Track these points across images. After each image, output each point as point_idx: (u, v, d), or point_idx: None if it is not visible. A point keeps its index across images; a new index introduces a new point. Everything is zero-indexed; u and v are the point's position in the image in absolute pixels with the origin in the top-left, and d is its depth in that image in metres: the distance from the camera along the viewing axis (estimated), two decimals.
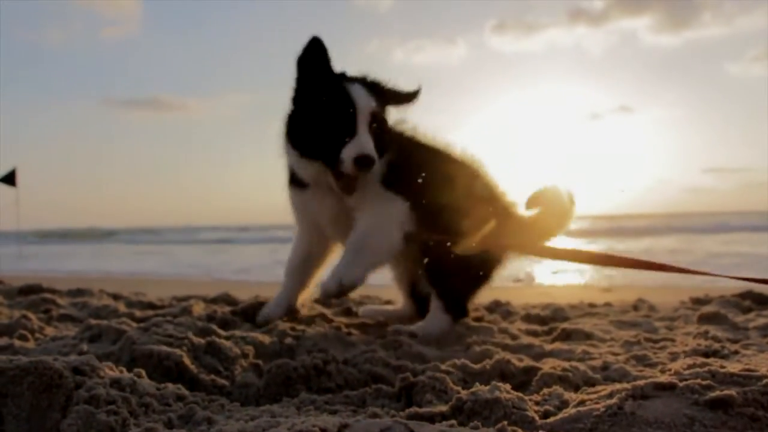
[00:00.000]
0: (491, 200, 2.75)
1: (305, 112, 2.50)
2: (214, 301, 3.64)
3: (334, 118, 2.39)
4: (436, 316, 2.67)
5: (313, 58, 2.46)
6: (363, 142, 2.35)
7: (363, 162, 2.32)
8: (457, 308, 2.73)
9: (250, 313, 2.95)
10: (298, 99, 2.53)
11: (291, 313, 2.89)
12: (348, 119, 2.37)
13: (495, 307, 3.54)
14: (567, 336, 2.64)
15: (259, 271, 9.56)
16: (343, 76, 2.50)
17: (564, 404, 1.53)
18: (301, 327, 2.67)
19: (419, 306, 2.94)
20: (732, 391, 1.38)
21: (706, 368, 1.58)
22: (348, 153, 2.34)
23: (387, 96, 2.55)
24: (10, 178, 13.49)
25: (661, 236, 19.40)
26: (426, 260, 2.65)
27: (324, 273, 2.89)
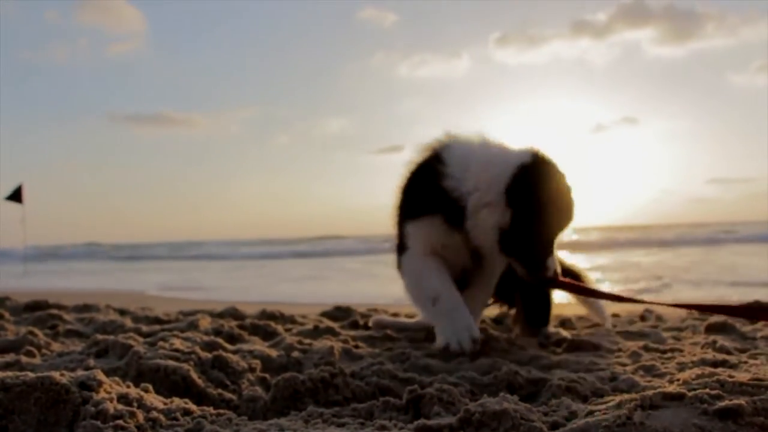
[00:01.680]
0: None
1: (530, 220, 2.43)
2: (220, 315, 3.65)
3: (555, 233, 2.53)
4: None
5: (551, 170, 2.50)
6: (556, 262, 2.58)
7: (553, 281, 2.59)
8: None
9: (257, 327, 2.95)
10: (526, 202, 2.43)
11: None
12: (561, 232, 2.56)
13: (502, 318, 3.53)
14: (575, 347, 2.64)
15: (264, 288, 9.55)
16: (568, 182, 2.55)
17: (572, 415, 1.52)
18: (308, 340, 2.67)
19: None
20: (741, 401, 1.37)
21: (714, 378, 1.58)
22: (552, 266, 2.53)
23: None
24: (16, 196, 13.54)
25: (668, 247, 19.33)
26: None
27: None
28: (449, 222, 2.53)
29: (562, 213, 2.52)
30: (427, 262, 2.61)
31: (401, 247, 2.72)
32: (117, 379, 1.75)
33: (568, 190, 2.52)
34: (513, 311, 3.23)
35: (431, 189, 2.55)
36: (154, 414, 1.57)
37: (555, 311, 3.57)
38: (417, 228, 2.62)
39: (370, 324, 3.20)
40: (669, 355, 2.43)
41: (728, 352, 2.36)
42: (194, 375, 1.99)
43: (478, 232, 2.49)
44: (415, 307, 2.76)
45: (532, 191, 2.42)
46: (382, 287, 8.55)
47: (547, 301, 3.07)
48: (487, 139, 2.61)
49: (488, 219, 2.45)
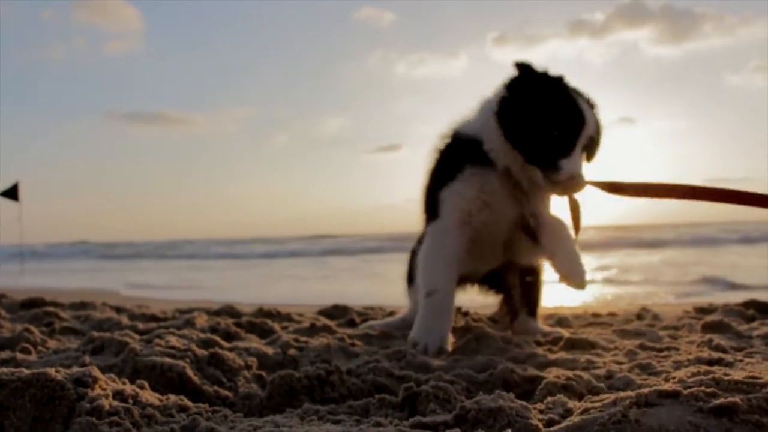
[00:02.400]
0: None
1: (530, 114, 2.50)
2: (217, 313, 3.64)
3: (561, 129, 2.47)
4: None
5: (534, 69, 2.54)
6: (579, 162, 2.50)
7: (576, 181, 2.50)
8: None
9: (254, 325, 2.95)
10: (521, 102, 2.54)
11: None
12: (572, 134, 2.48)
13: (498, 318, 3.53)
14: (571, 345, 2.64)
15: (261, 288, 9.55)
16: (570, 88, 2.57)
17: (568, 413, 1.52)
18: (304, 338, 2.67)
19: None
20: (736, 398, 1.37)
21: (710, 376, 1.58)
22: (567, 164, 2.46)
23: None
24: (12, 193, 13.50)
25: (665, 247, 19.36)
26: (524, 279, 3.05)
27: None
28: (485, 171, 2.60)
29: (564, 105, 2.49)
30: (447, 244, 2.62)
31: (430, 218, 2.74)
32: (113, 376, 1.75)
33: (571, 96, 2.52)
34: (500, 297, 3.24)
35: (457, 149, 2.68)
36: (150, 410, 1.57)
37: (554, 311, 3.59)
38: (451, 191, 2.64)
39: (360, 328, 3.20)
40: (665, 353, 2.44)
41: (724, 351, 2.36)
42: (190, 372, 1.99)
43: (495, 152, 2.57)
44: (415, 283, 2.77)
45: (528, 83, 2.52)
46: (380, 286, 8.56)
47: (536, 290, 3.10)
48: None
49: (488, 121, 2.58)
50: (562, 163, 2.45)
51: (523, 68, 2.54)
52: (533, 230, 2.66)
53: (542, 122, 2.47)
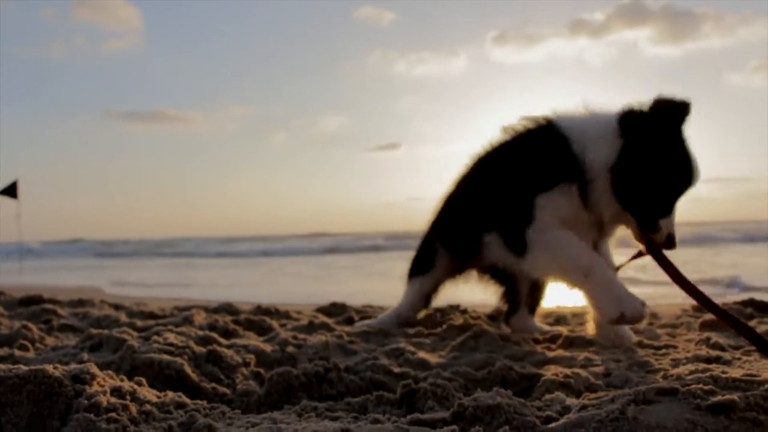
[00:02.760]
0: None
1: (645, 172, 2.36)
2: (215, 311, 3.64)
3: (673, 189, 2.39)
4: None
5: (676, 118, 2.39)
6: (674, 221, 2.41)
7: (671, 243, 2.40)
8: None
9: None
10: (637, 157, 2.38)
11: None
12: (679, 193, 2.40)
13: (497, 315, 3.54)
14: (569, 343, 2.64)
15: (262, 285, 9.54)
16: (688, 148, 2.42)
17: (566, 410, 1.52)
18: (302, 336, 2.67)
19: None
20: (734, 396, 1.38)
21: (707, 373, 1.58)
22: (666, 225, 2.38)
23: None
24: (11, 191, 13.49)
25: None
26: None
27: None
28: (580, 193, 2.46)
29: (682, 163, 2.38)
30: (567, 233, 2.49)
31: (521, 220, 2.54)
32: (111, 372, 1.74)
33: (687, 143, 2.39)
34: (503, 289, 3.16)
35: (561, 157, 2.48)
36: (147, 407, 1.57)
37: (552, 309, 3.59)
38: (550, 199, 2.49)
39: (354, 327, 3.18)
40: (663, 351, 2.44)
41: (722, 349, 2.37)
42: (188, 369, 1.99)
43: (595, 187, 2.43)
44: (561, 280, 2.54)
45: (648, 125, 2.37)
46: (379, 285, 8.56)
47: (542, 290, 3.07)
48: (597, 110, 2.58)
49: (599, 155, 2.42)
50: (661, 222, 2.38)
51: (657, 110, 2.38)
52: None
53: (657, 182, 2.36)
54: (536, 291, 3.08)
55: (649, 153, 2.36)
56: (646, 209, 2.40)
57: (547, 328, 3.07)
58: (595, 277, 2.35)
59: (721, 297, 5.09)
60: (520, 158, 2.64)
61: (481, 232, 2.75)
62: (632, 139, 2.38)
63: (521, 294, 3.08)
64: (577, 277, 2.41)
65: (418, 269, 3.19)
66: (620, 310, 2.25)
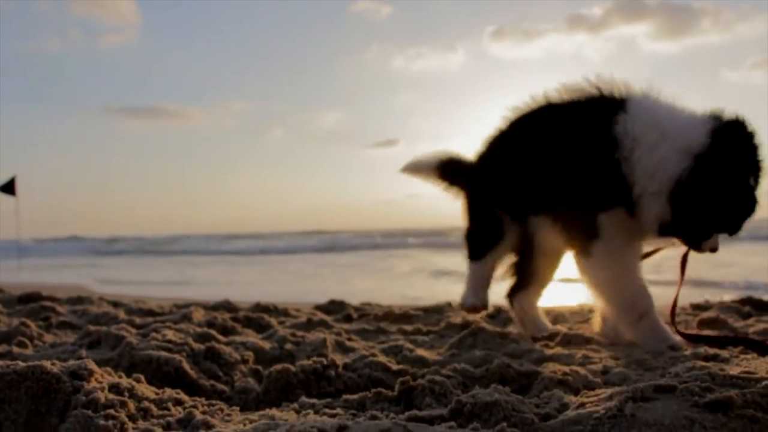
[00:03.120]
0: None
1: (707, 203, 2.19)
2: (214, 308, 3.64)
3: (732, 221, 2.26)
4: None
5: (750, 147, 2.21)
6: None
7: (714, 251, 2.33)
8: None
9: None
10: (703, 189, 2.16)
11: None
12: (739, 223, 2.27)
13: (496, 313, 3.54)
14: (567, 341, 2.64)
15: (259, 283, 9.54)
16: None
17: (564, 407, 1.52)
18: (301, 333, 2.67)
19: None
20: (731, 393, 1.38)
21: (705, 371, 1.58)
22: (712, 245, 2.29)
23: None
24: (9, 187, 13.48)
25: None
26: None
27: None
28: (630, 212, 2.31)
29: (748, 203, 2.22)
30: (632, 262, 2.40)
31: (586, 231, 2.39)
32: (109, 369, 1.75)
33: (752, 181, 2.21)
34: (515, 260, 2.95)
35: (615, 171, 2.27)
36: (146, 404, 1.57)
37: (551, 307, 3.59)
38: (611, 222, 2.34)
39: None
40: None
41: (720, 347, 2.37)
42: (187, 366, 1.99)
43: (644, 222, 2.29)
44: (608, 306, 2.50)
45: (701, 190, 2.15)
46: (378, 282, 8.57)
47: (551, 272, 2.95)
48: (673, 101, 2.34)
49: (650, 209, 2.25)
50: (710, 240, 2.30)
51: (729, 134, 2.17)
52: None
53: (717, 215, 2.22)
54: (547, 272, 2.91)
55: (717, 184, 2.16)
56: (697, 236, 2.30)
57: (549, 325, 3.02)
58: (648, 321, 2.38)
59: (721, 295, 5.10)
60: (580, 150, 2.39)
61: (541, 209, 2.60)
62: (680, 206, 2.20)
63: (536, 272, 2.90)
64: (629, 313, 2.41)
65: (485, 245, 2.84)
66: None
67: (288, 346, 2.38)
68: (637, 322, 2.40)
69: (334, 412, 1.62)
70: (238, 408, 1.72)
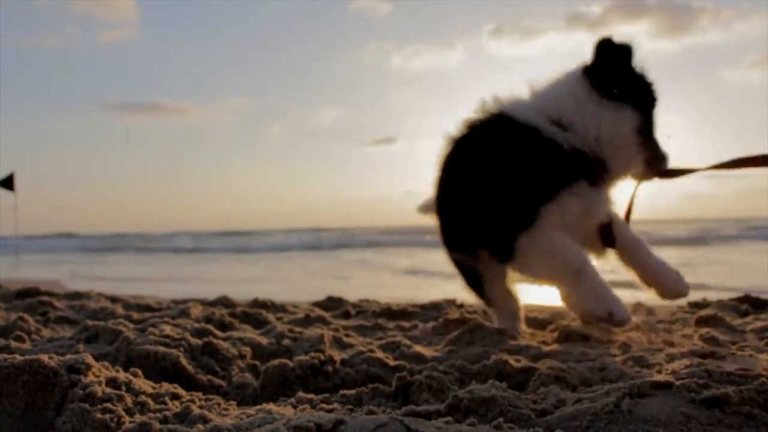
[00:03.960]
0: None
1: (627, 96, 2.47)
2: (212, 304, 3.64)
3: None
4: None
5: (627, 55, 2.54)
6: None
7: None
8: None
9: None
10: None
11: None
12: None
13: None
14: (565, 338, 2.64)
15: (256, 280, 9.54)
16: None
17: (561, 403, 1.52)
18: (298, 329, 2.67)
19: None
20: (728, 390, 1.38)
21: (702, 367, 1.59)
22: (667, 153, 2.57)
23: None
24: (8, 183, 13.45)
25: (663, 245, 19.39)
26: None
27: None
28: (589, 180, 2.40)
29: (648, 88, 2.53)
30: (561, 235, 2.42)
31: (517, 225, 2.42)
32: (106, 363, 1.75)
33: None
34: None
35: (549, 155, 2.37)
36: (143, 398, 1.57)
37: (547, 305, 3.59)
38: (554, 206, 2.38)
39: None
40: (659, 346, 2.44)
41: (717, 344, 2.37)
42: (184, 361, 1.99)
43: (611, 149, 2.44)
44: (552, 282, 2.54)
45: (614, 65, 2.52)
46: (375, 279, 8.57)
47: None
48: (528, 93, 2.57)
49: (595, 126, 2.43)
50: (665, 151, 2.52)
51: (610, 50, 2.55)
52: (611, 236, 2.56)
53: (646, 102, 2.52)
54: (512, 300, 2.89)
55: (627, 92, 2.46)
56: (653, 143, 2.50)
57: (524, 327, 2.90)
58: (586, 276, 2.35)
59: (718, 293, 5.10)
60: (502, 166, 2.47)
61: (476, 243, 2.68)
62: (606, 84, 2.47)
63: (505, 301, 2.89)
64: (569, 275, 2.39)
65: (479, 294, 2.90)
66: (609, 309, 2.29)
67: (285, 341, 2.38)
68: (577, 278, 2.37)
69: (331, 407, 1.62)
70: (235, 403, 1.72)
